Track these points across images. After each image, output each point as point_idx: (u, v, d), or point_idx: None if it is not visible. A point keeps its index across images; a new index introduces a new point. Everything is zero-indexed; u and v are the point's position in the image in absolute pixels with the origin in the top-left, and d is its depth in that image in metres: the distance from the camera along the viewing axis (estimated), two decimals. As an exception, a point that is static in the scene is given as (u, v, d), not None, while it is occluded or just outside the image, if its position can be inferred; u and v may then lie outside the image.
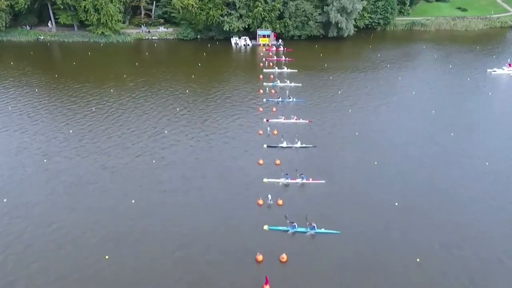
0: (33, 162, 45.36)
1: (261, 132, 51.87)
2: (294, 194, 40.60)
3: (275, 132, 51.83)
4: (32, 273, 31.40)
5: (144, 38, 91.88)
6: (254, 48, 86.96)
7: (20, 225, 35.98)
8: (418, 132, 52.48)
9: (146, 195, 40.04)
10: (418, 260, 32.75)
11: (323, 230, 35.27)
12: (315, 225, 35.37)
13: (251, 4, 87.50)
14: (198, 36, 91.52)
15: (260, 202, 39.03)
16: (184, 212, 37.93)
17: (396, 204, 38.98)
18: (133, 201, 39.09)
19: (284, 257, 32.63)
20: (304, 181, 41.90)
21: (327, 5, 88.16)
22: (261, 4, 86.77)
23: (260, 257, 32.62)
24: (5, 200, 38.89)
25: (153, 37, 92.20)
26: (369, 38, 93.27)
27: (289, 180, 41.93)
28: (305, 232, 35.34)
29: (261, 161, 45.51)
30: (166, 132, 51.77)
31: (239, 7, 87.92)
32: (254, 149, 48.23)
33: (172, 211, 38.00)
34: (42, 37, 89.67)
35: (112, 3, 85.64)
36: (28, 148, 47.94)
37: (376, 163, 45.43)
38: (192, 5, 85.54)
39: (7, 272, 31.46)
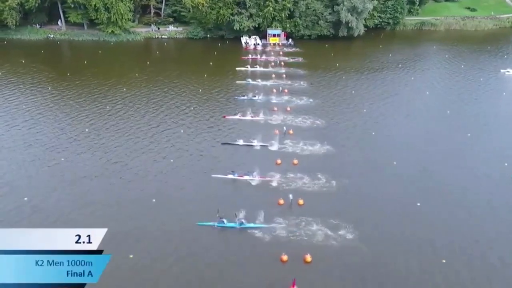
0: (50, 160, 45.26)
1: (277, 131, 51.65)
2: (318, 194, 40.09)
3: (291, 131, 51.62)
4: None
5: (153, 37, 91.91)
6: (265, 47, 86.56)
7: (39, 223, 35.81)
8: (435, 133, 52.22)
9: (165, 194, 39.88)
10: (443, 261, 32.56)
11: (251, 224, 35.63)
12: (243, 220, 35.81)
13: (262, 3, 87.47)
14: (208, 35, 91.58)
15: (281, 201, 38.83)
16: (204, 211, 37.63)
17: (418, 204, 38.78)
18: (153, 200, 38.92)
19: (308, 257, 32.46)
20: (251, 178, 42.03)
21: (338, 4, 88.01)
22: (272, 3, 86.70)
23: (285, 257, 32.45)
24: (25, 198, 38.77)
25: (163, 36, 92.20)
26: (379, 38, 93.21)
27: (236, 177, 42.15)
28: (234, 227, 35.58)
29: (279, 161, 45.28)
30: (182, 131, 51.60)
31: (249, 6, 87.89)
32: (271, 149, 47.97)
33: (193, 210, 37.68)
34: (51, 36, 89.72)
35: (122, 1, 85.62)
36: (45, 147, 47.81)
37: (395, 163, 45.20)
38: (203, 4, 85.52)
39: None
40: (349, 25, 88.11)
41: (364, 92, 64.29)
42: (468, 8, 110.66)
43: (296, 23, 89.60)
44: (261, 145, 48.27)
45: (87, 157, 46.05)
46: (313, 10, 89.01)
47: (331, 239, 34.55)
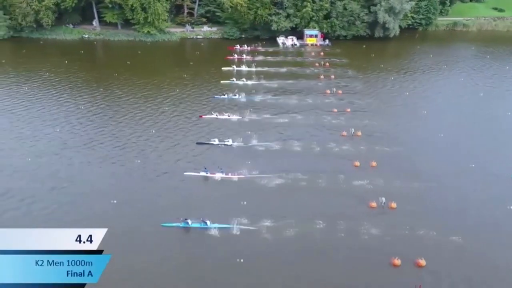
0: (124, 160, 44.78)
1: (345, 133, 51.18)
2: (408, 197, 39.55)
3: (359, 133, 51.13)
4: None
5: (188, 37, 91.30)
6: (303, 48, 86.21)
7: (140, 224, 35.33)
8: (505, 135, 52.02)
9: (231, 196, 39.54)
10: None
11: (216, 225, 35.38)
12: (207, 221, 35.48)
13: (299, 4, 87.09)
14: (243, 36, 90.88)
15: (373, 204, 38.38)
16: (302, 213, 37.22)
17: (510, 207, 38.45)
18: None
19: (422, 261, 32.01)
20: (223, 175, 42.04)
21: (374, 5, 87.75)
22: (310, 4, 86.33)
23: (397, 261, 31.96)
24: (115, 201, 38.13)
25: (198, 36, 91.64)
26: (414, 38, 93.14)
27: (208, 174, 42.20)
28: (200, 228, 35.35)
29: (357, 163, 44.80)
30: (249, 132, 51.05)
31: (286, 7, 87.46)
32: (342, 151, 47.40)
33: (282, 213, 37.15)
34: (86, 36, 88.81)
35: (159, 1, 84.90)
36: (112, 145, 47.52)
37: (473, 165, 44.85)
38: (241, 4, 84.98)
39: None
40: (386, 25, 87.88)
41: (418, 94, 64.04)
42: (496, 8, 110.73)
43: (333, 24, 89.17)
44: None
45: (161, 156, 45.74)
46: (350, 11, 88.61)
47: (437, 242, 34.10)
